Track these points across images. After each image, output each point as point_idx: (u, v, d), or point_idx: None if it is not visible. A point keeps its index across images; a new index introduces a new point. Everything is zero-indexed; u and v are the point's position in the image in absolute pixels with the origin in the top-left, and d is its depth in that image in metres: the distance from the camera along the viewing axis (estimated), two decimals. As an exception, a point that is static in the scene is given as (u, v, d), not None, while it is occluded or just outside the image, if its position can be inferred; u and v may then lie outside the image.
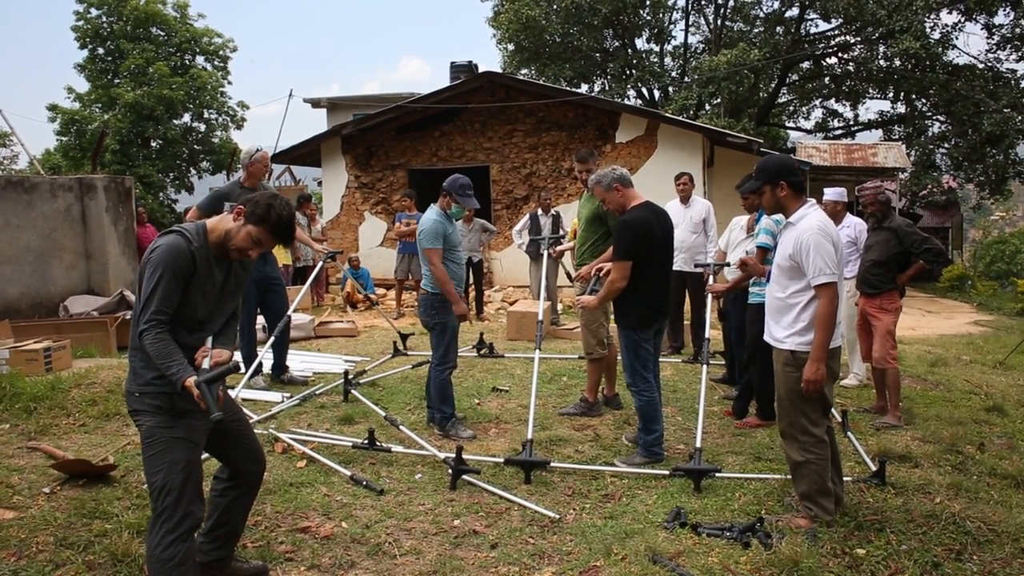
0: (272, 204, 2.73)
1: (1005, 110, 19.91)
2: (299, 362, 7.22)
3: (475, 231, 10.38)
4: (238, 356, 6.35)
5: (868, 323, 5.76)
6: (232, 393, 3.32)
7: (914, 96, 22.83)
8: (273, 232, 2.75)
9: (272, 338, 6.25)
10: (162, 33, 24.35)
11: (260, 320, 6.80)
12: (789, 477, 3.84)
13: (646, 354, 4.69)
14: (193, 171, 25.41)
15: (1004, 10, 21.06)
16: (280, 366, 6.51)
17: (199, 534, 3.04)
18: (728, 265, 5.92)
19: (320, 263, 7.97)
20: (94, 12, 23.66)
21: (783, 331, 3.67)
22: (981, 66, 22.17)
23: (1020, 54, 21.65)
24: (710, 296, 5.82)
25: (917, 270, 5.69)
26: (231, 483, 3.04)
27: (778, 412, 3.82)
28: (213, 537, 3.02)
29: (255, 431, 3.38)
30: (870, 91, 24.60)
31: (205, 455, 2.95)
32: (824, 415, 3.68)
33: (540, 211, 10.00)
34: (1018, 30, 21.49)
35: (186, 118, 24.86)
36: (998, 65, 21.95)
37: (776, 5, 24.78)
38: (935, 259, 5.68)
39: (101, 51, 24.19)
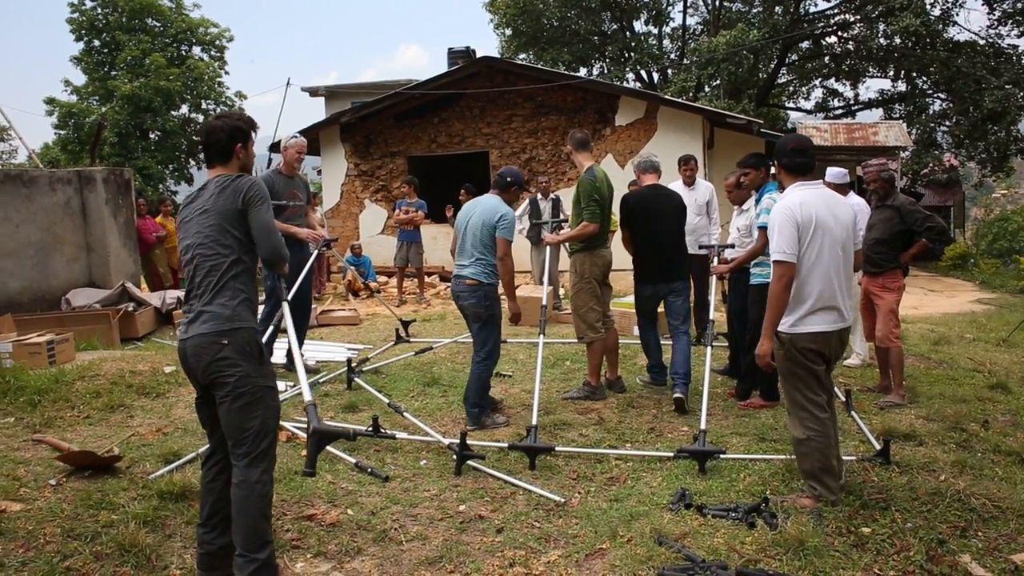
0: (229, 118, 3.00)
1: (1007, 86, 19.74)
2: (302, 351, 7.20)
3: None
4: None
5: (871, 302, 5.75)
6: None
7: (915, 74, 22.65)
8: (250, 125, 3.05)
9: (272, 325, 6.23)
10: (158, 24, 24.24)
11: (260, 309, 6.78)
12: (793, 457, 3.85)
13: (643, 303, 5.81)
14: (192, 162, 25.35)
15: (1005, -16, 20.90)
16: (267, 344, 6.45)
17: (197, 526, 3.04)
18: (732, 247, 5.90)
19: (315, 251, 7.93)
20: (89, 3, 23.55)
21: None
22: (982, 42, 22.00)
23: (1021, 30, 21.46)
24: (714, 278, 5.80)
25: (920, 248, 5.65)
26: (220, 466, 3.04)
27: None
28: (211, 526, 3.01)
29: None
30: (870, 70, 24.39)
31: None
32: (820, 388, 3.66)
33: (539, 195, 9.97)
34: (1019, 5, 21.28)
35: (184, 109, 24.79)
36: (999, 41, 21.80)
37: (775, -16, 24.58)
38: (938, 237, 5.64)
39: (97, 43, 24.11)
